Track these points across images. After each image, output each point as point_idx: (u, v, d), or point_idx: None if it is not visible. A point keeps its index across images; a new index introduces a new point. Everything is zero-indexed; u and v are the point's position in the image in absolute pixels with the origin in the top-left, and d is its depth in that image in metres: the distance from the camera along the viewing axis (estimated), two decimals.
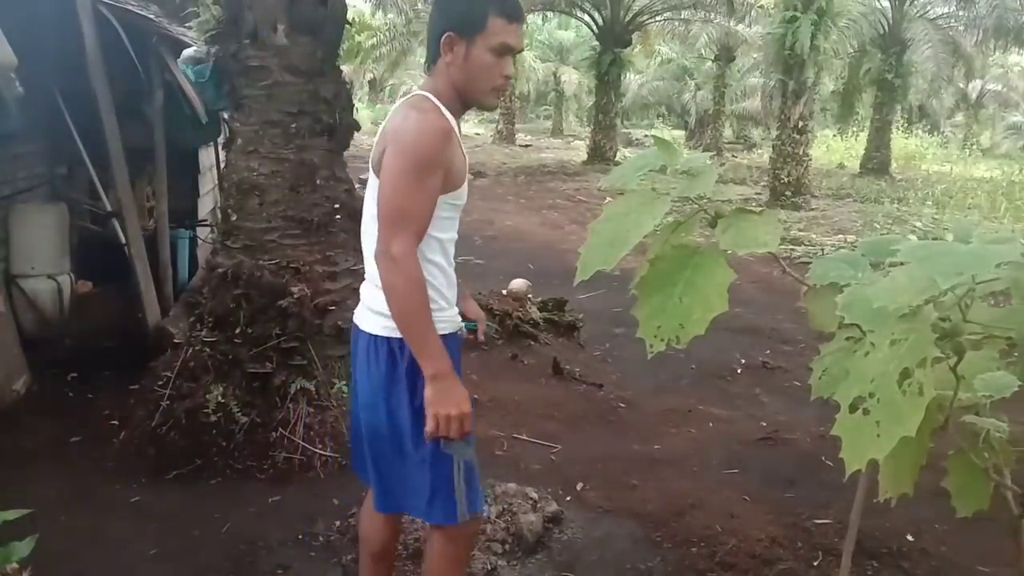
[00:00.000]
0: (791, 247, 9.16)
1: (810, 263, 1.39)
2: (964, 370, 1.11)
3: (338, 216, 3.56)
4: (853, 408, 1.03)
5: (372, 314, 1.83)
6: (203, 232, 5.90)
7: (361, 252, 1.89)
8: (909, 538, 2.95)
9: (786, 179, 13.02)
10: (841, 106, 23.81)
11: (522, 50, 1.89)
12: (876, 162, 18.18)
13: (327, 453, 3.27)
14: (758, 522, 3.01)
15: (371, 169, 1.80)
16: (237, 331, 3.34)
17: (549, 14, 23.81)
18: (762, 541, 2.86)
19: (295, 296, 3.35)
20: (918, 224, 11.22)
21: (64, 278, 4.57)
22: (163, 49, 4.51)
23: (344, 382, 3.40)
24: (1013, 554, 1.30)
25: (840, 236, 10.22)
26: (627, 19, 19.32)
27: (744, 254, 1.21)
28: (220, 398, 3.22)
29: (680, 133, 29.31)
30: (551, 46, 32.72)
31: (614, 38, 19.15)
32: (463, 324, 1.98)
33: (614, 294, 6.03)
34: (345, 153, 3.79)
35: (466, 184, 1.85)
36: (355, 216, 3.56)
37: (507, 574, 2.59)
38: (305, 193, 3.48)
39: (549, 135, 32.71)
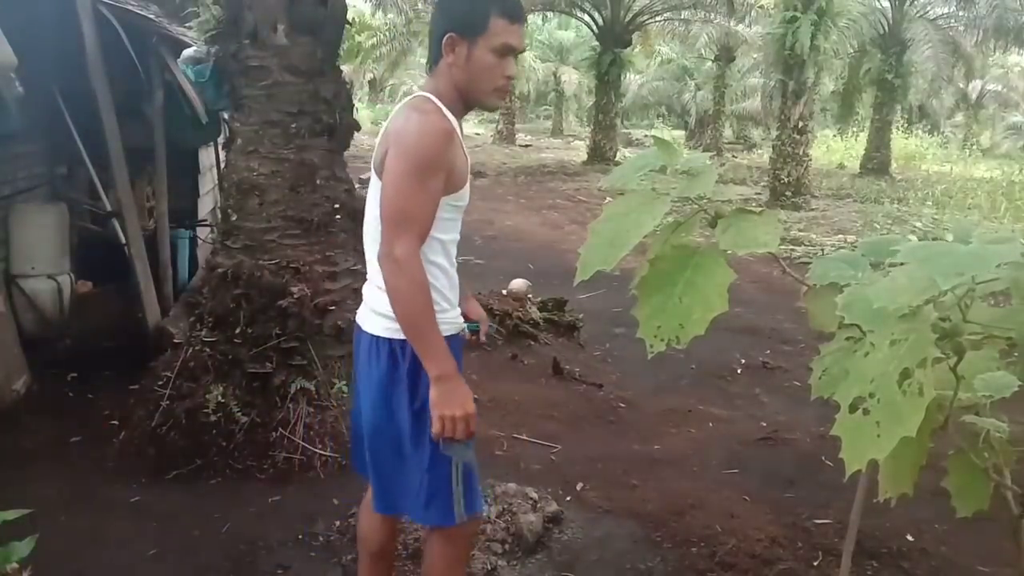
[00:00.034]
0: (791, 247, 9.16)
1: (810, 263, 1.39)
2: (964, 370, 1.11)
3: (338, 216, 3.56)
4: (853, 408, 1.04)
5: (374, 315, 1.83)
6: (203, 232, 5.90)
7: (361, 252, 1.89)
8: (909, 538, 2.95)
9: (786, 179, 13.02)
10: (841, 106, 23.80)
11: (524, 50, 1.89)
12: (876, 162, 18.18)
13: (327, 453, 3.27)
14: (758, 522, 3.01)
15: (373, 171, 1.80)
16: (237, 331, 3.34)
17: (549, 14, 23.81)
18: (762, 541, 2.86)
19: (295, 296, 3.35)
20: (918, 224, 11.22)
21: (64, 278, 4.56)
22: (163, 49, 4.51)
23: (344, 382, 3.40)
24: (1013, 554, 1.30)
25: (840, 236, 10.22)
26: (627, 19, 19.32)
27: (744, 254, 1.21)
28: (220, 398, 3.22)
29: (680, 133, 29.31)
30: (551, 46, 32.71)
31: (614, 38, 19.15)
32: (465, 325, 1.98)
33: (614, 294, 6.03)
34: (345, 153, 3.79)
35: (468, 185, 1.85)
36: (355, 216, 3.57)
37: (507, 574, 2.59)
38: (305, 193, 3.48)
39: (549, 135, 32.71)
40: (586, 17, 19.95)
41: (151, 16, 4.61)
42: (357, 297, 1.94)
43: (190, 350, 3.38)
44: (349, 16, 3.84)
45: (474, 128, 31.21)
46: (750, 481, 3.42)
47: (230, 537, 2.80)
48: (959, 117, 34.03)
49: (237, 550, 2.72)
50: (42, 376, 4.01)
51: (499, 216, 10.88)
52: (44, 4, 4.40)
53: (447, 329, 1.80)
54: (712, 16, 19.83)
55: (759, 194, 13.87)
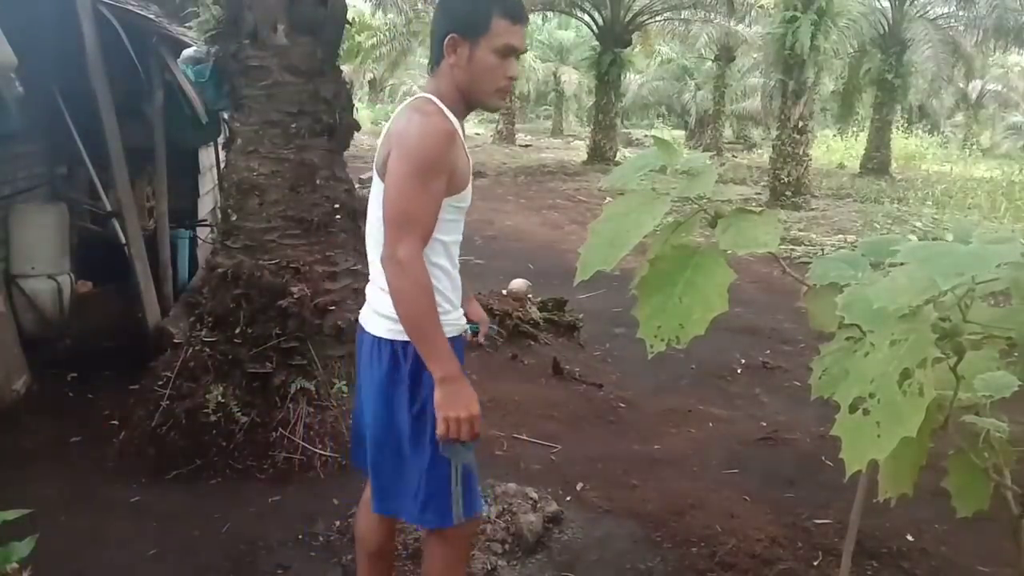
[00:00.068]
0: (791, 247, 9.16)
1: (810, 263, 1.39)
2: (964, 370, 1.11)
3: (338, 216, 3.56)
4: (853, 408, 1.04)
5: (377, 316, 1.83)
6: (203, 232, 5.90)
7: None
8: (909, 538, 2.95)
9: (786, 179, 13.03)
10: (841, 106, 23.80)
11: (526, 51, 1.89)
12: (876, 162, 18.19)
13: (327, 453, 3.27)
14: (758, 522, 3.01)
15: (375, 172, 1.80)
16: (237, 331, 3.34)
17: (549, 14, 23.81)
18: (762, 541, 2.86)
19: (295, 296, 3.35)
20: (918, 224, 11.22)
21: (64, 278, 4.56)
22: (163, 49, 4.51)
23: (344, 382, 3.40)
24: (1013, 554, 1.30)
25: (840, 236, 10.22)
26: (627, 19, 19.32)
27: (744, 254, 1.21)
28: (220, 398, 3.22)
29: (680, 133, 29.31)
30: (551, 46, 32.70)
31: (614, 38, 19.15)
32: (467, 326, 1.98)
33: (614, 294, 6.03)
34: (345, 153, 3.79)
35: (470, 186, 1.84)
36: (355, 216, 3.57)
37: (507, 574, 2.59)
38: (305, 193, 3.48)
39: (549, 135, 32.71)
40: (586, 17, 19.94)
41: (151, 16, 4.61)
42: (357, 297, 1.94)
43: (190, 350, 3.38)
44: (349, 16, 3.84)
45: (474, 128, 31.21)
46: (750, 481, 3.42)
47: (230, 537, 2.80)
48: (959, 117, 34.03)
49: (237, 550, 2.72)
50: (42, 376, 4.01)
51: (499, 216, 10.88)
52: (44, 4, 4.40)
53: (450, 330, 1.80)
54: (712, 16, 19.84)
55: (759, 194, 13.87)
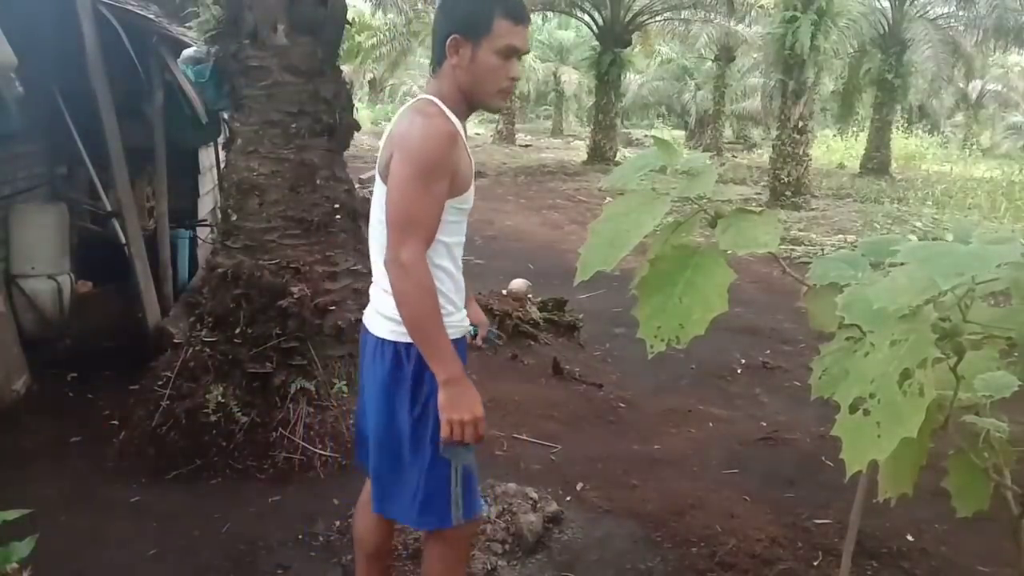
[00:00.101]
0: (791, 247, 9.16)
1: (810, 263, 1.39)
2: (964, 370, 1.11)
3: (338, 216, 3.56)
4: (853, 408, 1.04)
5: (380, 317, 1.82)
6: (203, 232, 5.90)
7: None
8: (909, 538, 2.95)
9: (786, 179, 13.03)
10: (841, 106, 23.80)
11: (528, 52, 1.88)
12: (876, 162, 18.19)
13: (327, 453, 3.27)
14: (758, 522, 3.01)
15: (378, 174, 1.79)
16: (237, 331, 3.34)
17: (549, 14, 23.80)
18: (762, 541, 2.86)
19: (295, 296, 3.35)
20: (918, 224, 11.22)
21: (64, 278, 4.57)
22: (163, 49, 4.51)
23: (344, 382, 3.40)
24: (1013, 554, 1.30)
25: (840, 236, 10.22)
26: (627, 19, 19.32)
27: (744, 254, 1.21)
28: (220, 398, 3.22)
29: (680, 133, 29.31)
30: (551, 46, 32.69)
31: (614, 38, 19.15)
32: (469, 328, 1.98)
33: (614, 294, 6.03)
34: (345, 153, 3.79)
35: (472, 188, 1.84)
36: (355, 216, 3.57)
37: (507, 574, 2.59)
38: (305, 193, 3.48)
39: (549, 135, 32.70)
40: (586, 17, 19.94)
41: (151, 16, 4.61)
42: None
43: (190, 350, 3.38)
44: (349, 16, 3.84)
45: (474, 128, 31.17)
46: (750, 481, 3.42)
47: (230, 537, 2.80)
48: (959, 117, 34.03)
49: (237, 550, 2.72)
50: (42, 376, 4.01)
51: (499, 216, 10.88)
52: (44, 4, 4.40)
53: (454, 332, 1.80)
54: (712, 16, 19.83)
55: (759, 194, 13.87)
